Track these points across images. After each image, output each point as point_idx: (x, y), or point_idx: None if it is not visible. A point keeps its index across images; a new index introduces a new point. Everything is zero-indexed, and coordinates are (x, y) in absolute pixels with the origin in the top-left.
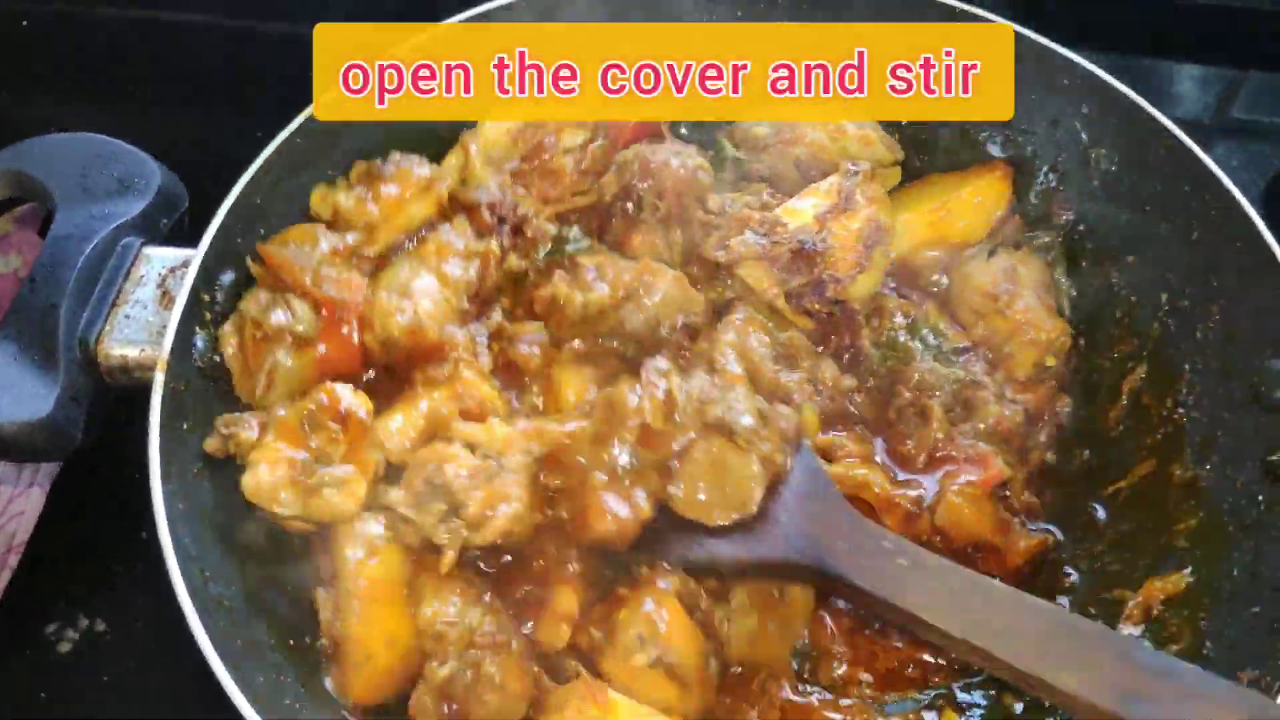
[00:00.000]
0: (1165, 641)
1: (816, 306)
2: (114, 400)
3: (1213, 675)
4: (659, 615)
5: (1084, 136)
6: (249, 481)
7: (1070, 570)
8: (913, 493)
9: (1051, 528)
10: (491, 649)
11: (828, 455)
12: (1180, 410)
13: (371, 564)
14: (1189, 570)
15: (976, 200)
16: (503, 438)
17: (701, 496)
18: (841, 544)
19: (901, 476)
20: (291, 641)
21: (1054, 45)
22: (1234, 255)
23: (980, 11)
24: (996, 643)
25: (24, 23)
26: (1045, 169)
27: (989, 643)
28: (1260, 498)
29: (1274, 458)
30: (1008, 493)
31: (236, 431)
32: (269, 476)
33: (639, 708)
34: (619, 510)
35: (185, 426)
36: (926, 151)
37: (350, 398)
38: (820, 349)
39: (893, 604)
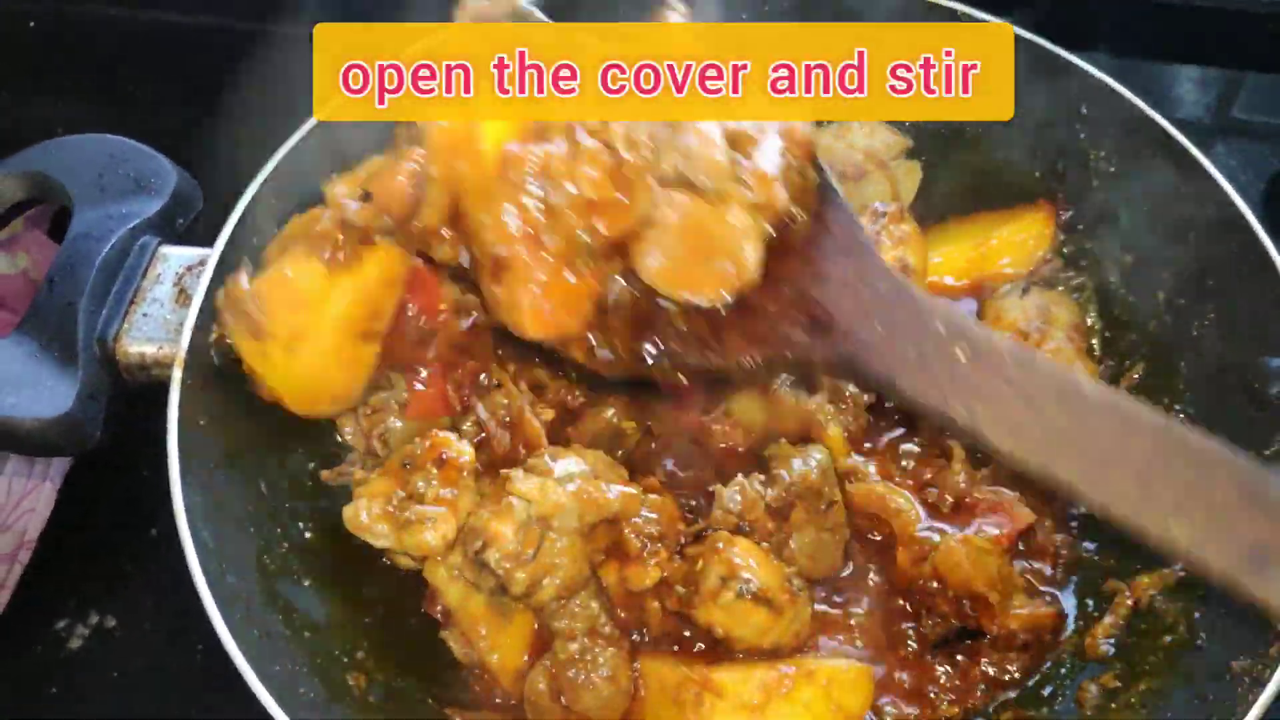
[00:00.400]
0: (1160, 632)
1: None
2: (130, 403)
3: None
4: (731, 553)
5: (1082, 137)
6: (349, 514)
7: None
8: (936, 537)
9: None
10: (609, 640)
11: (849, 478)
12: (1177, 408)
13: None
14: (1179, 565)
15: (1019, 239)
16: (553, 504)
17: (681, 268)
18: (879, 326)
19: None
20: (306, 632)
21: (1052, 46)
22: (1229, 254)
23: (979, 13)
24: (1083, 476)
25: (31, 23)
26: (1044, 170)
27: (1074, 475)
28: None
29: (1268, 453)
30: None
31: (351, 470)
32: (366, 511)
33: (744, 685)
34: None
35: (202, 423)
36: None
37: (451, 448)
38: None
39: (947, 417)
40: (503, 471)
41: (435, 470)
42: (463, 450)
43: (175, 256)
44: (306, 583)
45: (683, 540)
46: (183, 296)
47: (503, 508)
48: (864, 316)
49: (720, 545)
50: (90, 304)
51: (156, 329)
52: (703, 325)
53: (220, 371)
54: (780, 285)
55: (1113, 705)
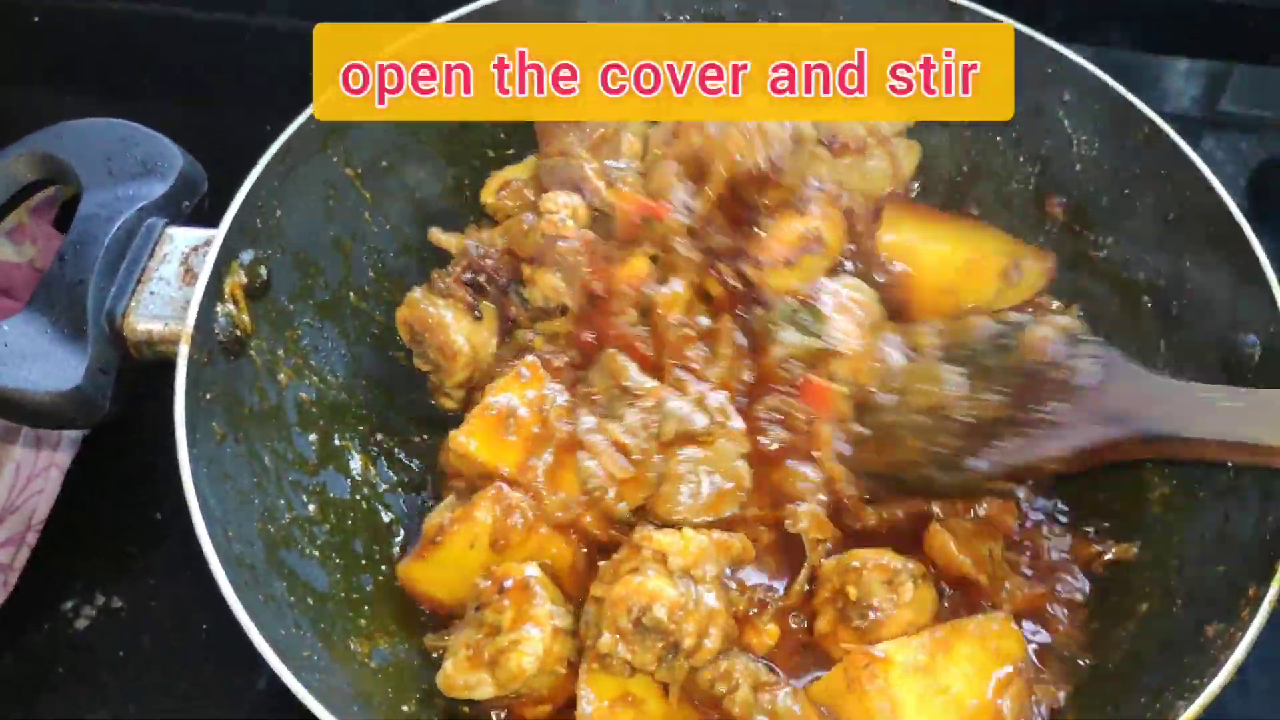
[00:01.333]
0: (1137, 599)
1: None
2: (131, 380)
3: None
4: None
5: (1066, 123)
6: (443, 681)
7: (1049, 537)
8: None
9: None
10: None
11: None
12: None
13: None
14: (1139, 544)
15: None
16: (696, 551)
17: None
18: (1158, 407)
19: None
20: (309, 599)
21: (1037, 35)
22: (1206, 235)
23: (977, 7)
24: None
25: (35, 18)
26: (1029, 156)
27: None
28: (1229, 463)
29: None
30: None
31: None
32: (454, 668)
33: (908, 649)
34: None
35: (208, 397)
36: None
37: (514, 572)
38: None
39: (1244, 444)
40: (635, 535)
41: (505, 600)
42: (522, 568)
43: (181, 237)
44: (310, 553)
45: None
46: (189, 275)
47: (644, 565)
48: (1144, 406)
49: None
50: (100, 281)
51: (163, 306)
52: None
53: (224, 347)
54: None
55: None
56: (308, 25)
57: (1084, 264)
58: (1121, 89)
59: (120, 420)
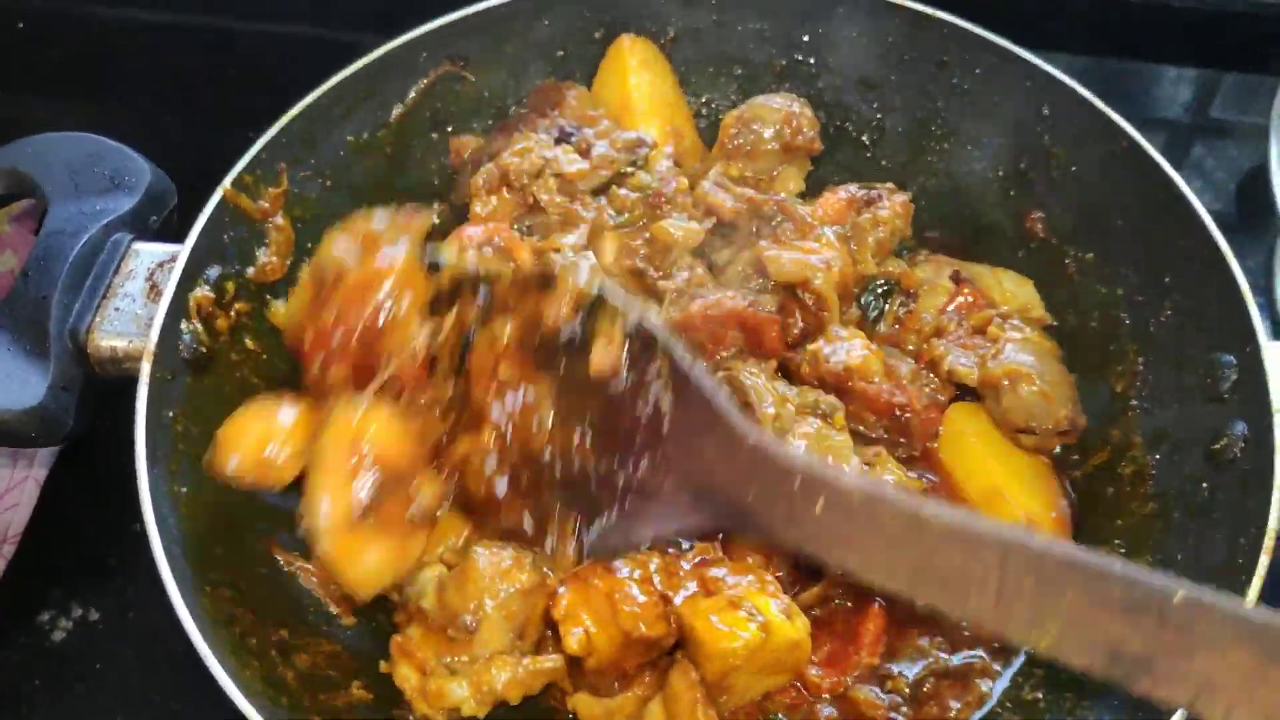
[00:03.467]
0: None
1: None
2: (105, 396)
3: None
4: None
5: (1045, 138)
6: None
7: None
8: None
9: None
10: None
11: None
12: (1134, 402)
13: None
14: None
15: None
16: None
17: None
18: (750, 491)
19: None
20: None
21: (1013, 47)
22: (1185, 251)
23: (949, 18)
24: (946, 600)
25: (20, 24)
26: (1008, 171)
27: (939, 600)
28: (1204, 485)
29: (1217, 446)
30: None
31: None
32: None
33: None
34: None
35: (171, 415)
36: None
37: None
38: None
39: (826, 562)
40: None
41: None
42: None
43: (147, 252)
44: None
45: None
46: (154, 292)
47: None
48: (737, 484)
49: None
50: (63, 298)
51: (127, 323)
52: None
53: (190, 364)
54: (665, 472)
55: None
56: (285, 30)
57: (1062, 281)
58: (1099, 103)
59: (97, 433)
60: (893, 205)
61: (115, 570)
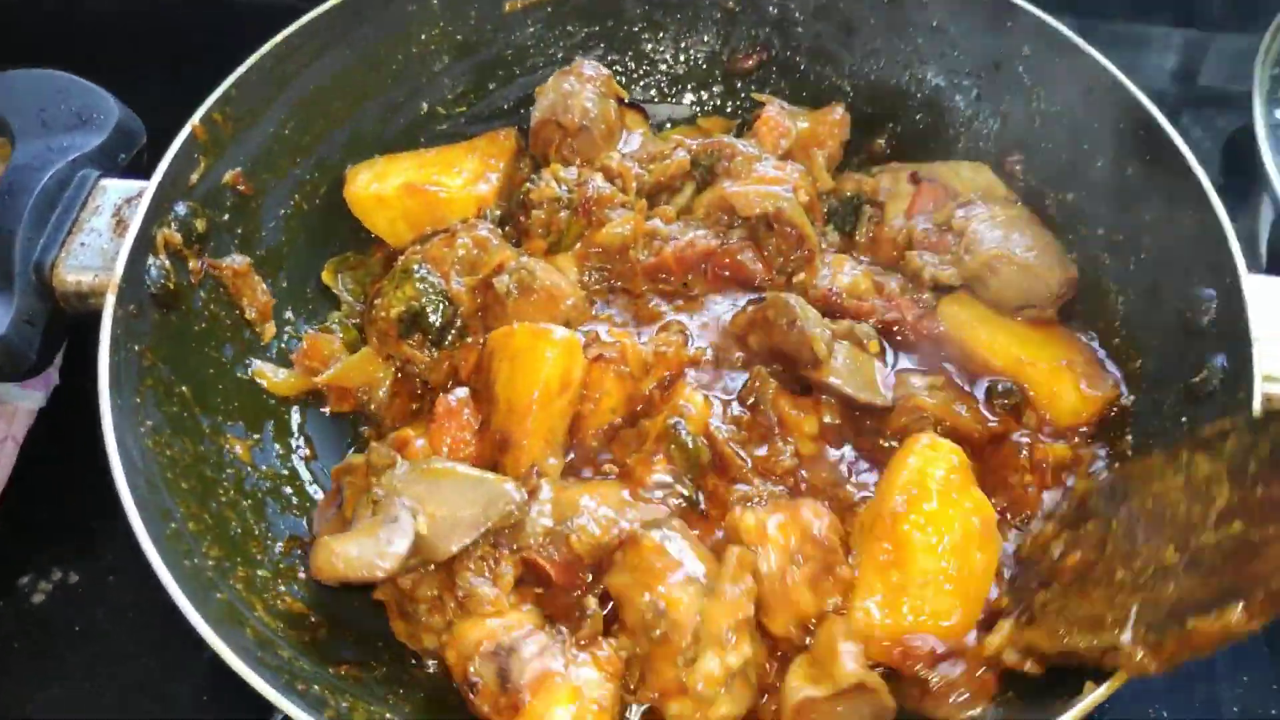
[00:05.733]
0: None
1: None
2: (75, 339)
3: None
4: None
5: (1026, 79)
6: None
7: None
8: None
9: None
10: None
11: None
12: (1115, 341)
13: None
14: None
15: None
16: None
17: None
18: None
19: None
20: (239, 558)
21: None
22: (1164, 187)
23: None
24: None
25: None
26: (989, 112)
27: None
28: (1183, 419)
29: (1196, 379)
30: None
31: None
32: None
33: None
34: None
35: (137, 349)
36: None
37: None
38: None
39: None
40: None
41: None
42: None
43: (114, 189)
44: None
45: None
46: (120, 227)
47: None
48: None
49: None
50: (28, 232)
51: (93, 258)
52: None
53: (156, 299)
54: None
55: None
56: None
57: (1042, 220)
58: (1081, 42)
59: (75, 393)
60: (829, 120)
61: (95, 533)
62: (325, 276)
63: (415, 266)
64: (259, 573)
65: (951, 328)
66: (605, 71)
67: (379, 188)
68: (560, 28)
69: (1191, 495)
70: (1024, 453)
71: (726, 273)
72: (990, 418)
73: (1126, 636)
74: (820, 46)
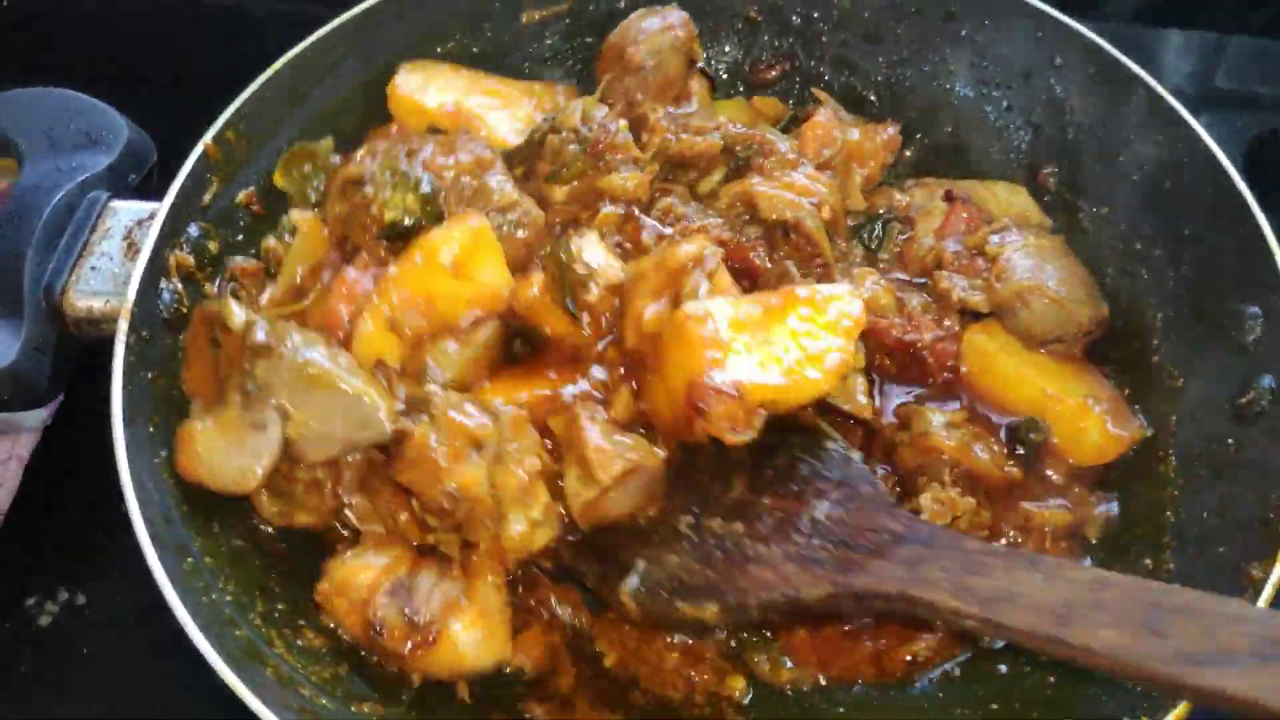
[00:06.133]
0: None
1: None
2: (87, 366)
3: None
4: None
5: (1057, 89)
6: None
7: None
8: None
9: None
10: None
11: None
12: (1155, 358)
13: None
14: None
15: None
16: None
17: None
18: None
19: None
20: (257, 591)
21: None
22: (1205, 200)
23: None
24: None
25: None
26: (1020, 123)
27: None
28: (1230, 441)
29: (1243, 400)
30: None
31: None
32: None
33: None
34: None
35: (150, 375)
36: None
37: None
38: None
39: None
40: None
41: None
42: None
43: (125, 210)
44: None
45: None
46: (131, 250)
47: None
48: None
49: None
50: (38, 256)
51: (104, 282)
52: None
53: (169, 324)
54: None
55: None
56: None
57: (1078, 235)
58: (1113, 50)
59: (81, 410)
60: (877, 140)
61: (102, 552)
62: (277, 178)
63: (423, 178)
64: (278, 607)
65: (976, 357)
66: (690, 28)
67: (424, 97)
68: (578, 39)
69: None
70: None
71: (736, 265)
72: (1010, 464)
73: (631, 582)
74: (844, 56)
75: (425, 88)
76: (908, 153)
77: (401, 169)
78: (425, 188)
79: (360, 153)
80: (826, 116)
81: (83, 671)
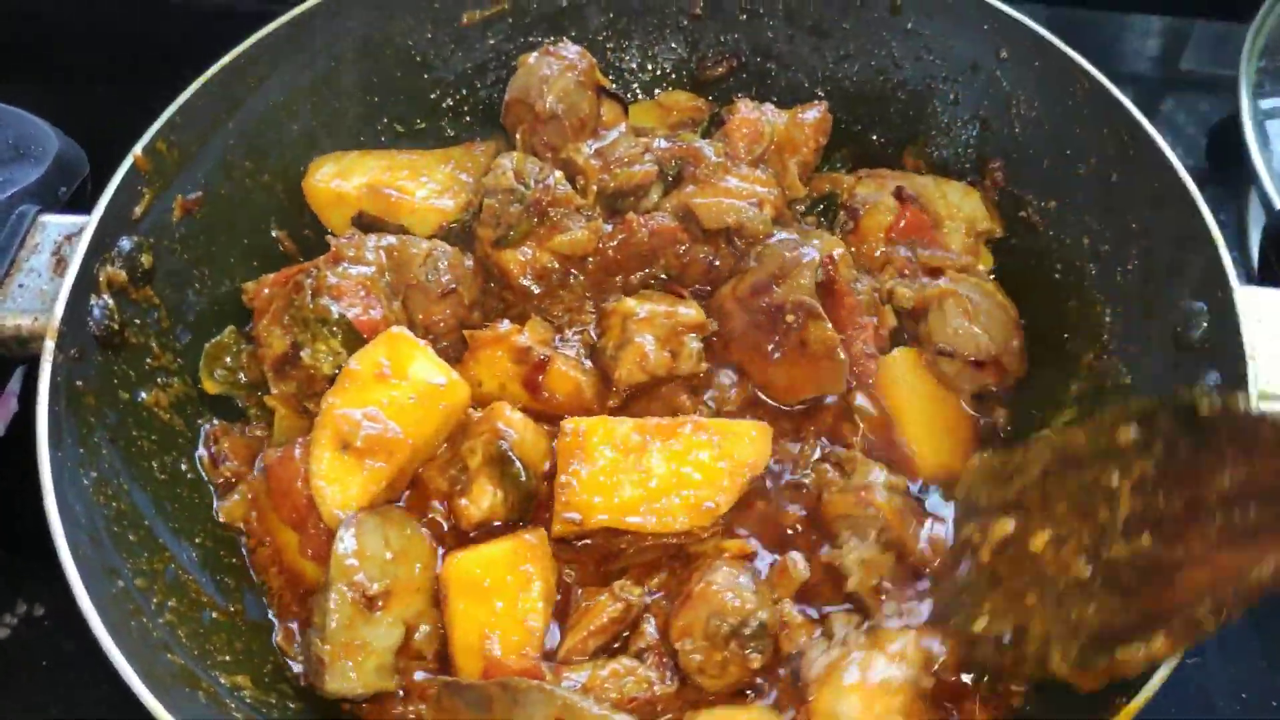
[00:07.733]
0: None
1: None
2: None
3: None
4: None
5: (1004, 82)
6: None
7: None
8: None
9: None
10: None
11: None
12: (1104, 356)
13: None
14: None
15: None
16: None
17: None
18: None
19: None
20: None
21: None
22: (1151, 194)
23: None
24: None
25: None
26: (968, 118)
27: None
28: None
29: None
30: None
31: None
32: None
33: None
34: None
35: (81, 394)
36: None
37: None
38: None
39: None
40: None
41: None
42: None
43: (54, 225)
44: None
45: None
46: (60, 265)
47: None
48: None
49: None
50: None
51: (32, 300)
52: None
53: (101, 341)
54: None
55: None
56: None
57: (1024, 230)
58: (1059, 43)
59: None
60: (805, 125)
61: (59, 564)
62: (207, 387)
63: (331, 307)
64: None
65: (887, 378)
66: (589, 59)
67: (341, 184)
68: (522, 39)
69: (1101, 495)
70: None
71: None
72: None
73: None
74: (792, 52)
75: (340, 176)
76: (851, 149)
77: (309, 315)
78: (335, 313)
79: (263, 322)
80: (748, 110)
81: (42, 683)
